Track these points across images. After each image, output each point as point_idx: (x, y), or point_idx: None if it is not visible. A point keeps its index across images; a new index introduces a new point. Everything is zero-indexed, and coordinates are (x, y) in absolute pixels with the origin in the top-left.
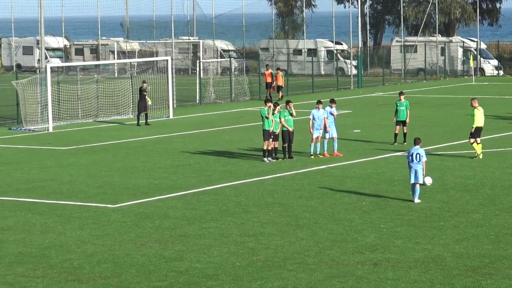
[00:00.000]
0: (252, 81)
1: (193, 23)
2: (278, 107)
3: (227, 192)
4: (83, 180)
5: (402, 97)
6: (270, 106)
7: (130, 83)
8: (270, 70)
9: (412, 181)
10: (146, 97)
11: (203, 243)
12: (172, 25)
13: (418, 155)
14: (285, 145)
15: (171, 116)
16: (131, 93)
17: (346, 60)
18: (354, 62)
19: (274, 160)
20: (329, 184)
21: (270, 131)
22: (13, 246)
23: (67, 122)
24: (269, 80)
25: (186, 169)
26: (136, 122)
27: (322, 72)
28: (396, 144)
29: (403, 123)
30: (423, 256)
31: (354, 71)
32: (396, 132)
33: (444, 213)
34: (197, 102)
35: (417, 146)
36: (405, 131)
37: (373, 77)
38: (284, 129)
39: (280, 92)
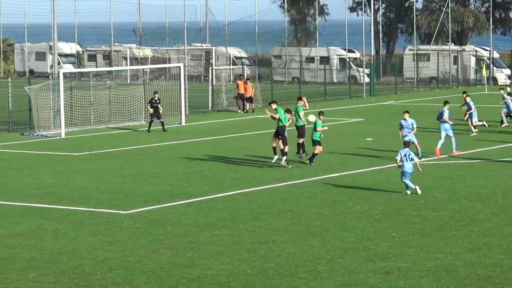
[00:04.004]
0: (265, 88)
1: (205, 30)
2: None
3: (239, 199)
4: (95, 186)
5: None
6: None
7: (143, 89)
8: (243, 81)
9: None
10: (159, 106)
11: (215, 250)
12: (185, 32)
13: (409, 155)
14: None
15: (183, 123)
16: (143, 99)
17: (359, 68)
18: (367, 70)
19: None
20: (341, 192)
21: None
22: (24, 252)
23: (79, 128)
24: (241, 91)
25: (198, 176)
26: (148, 128)
27: (335, 80)
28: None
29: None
30: (435, 265)
31: (367, 79)
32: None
33: (456, 222)
34: (210, 109)
35: (407, 149)
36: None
37: (386, 86)
38: (302, 123)
39: (252, 104)
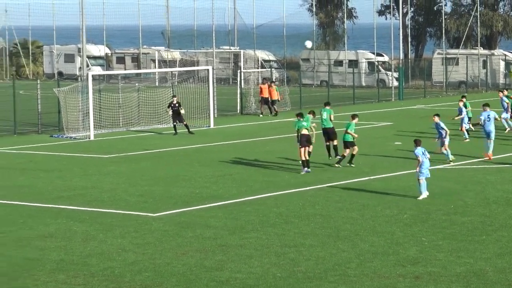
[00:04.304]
0: (293, 91)
1: (234, 32)
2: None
3: (268, 203)
4: (124, 188)
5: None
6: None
7: (171, 92)
8: (266, 84)
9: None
10: (179, 109)
11: (244, 253)
12: (213, 35)
13: (426, 152)
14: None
15: (211, 126)
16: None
17: (387, 72)
18: (395, 74)
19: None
20: (370, 196)
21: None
22: (54, 254)
23: (108, 130)
24: (265, 94)
25: (227, 178)
26: (174, 132)
27: (363, 84)
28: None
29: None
30: (465, 270)
31: (395, 83)
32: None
33: (486, 227)
34: (238, 112)
35: (420, 147)
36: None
37: (414, 89)
38: (329, 125)
39: (274, 107)
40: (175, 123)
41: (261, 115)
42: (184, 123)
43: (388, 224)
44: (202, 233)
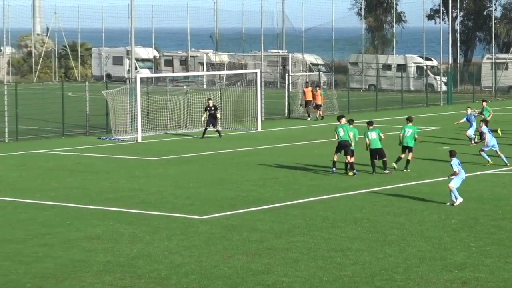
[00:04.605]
0: (341, 95)
1: (282, 36)
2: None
3: (315, 206)
4: (171, 191)
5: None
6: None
7: (219, 95)
8: (310, 88)
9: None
10: (215, 113)
11: (291, 257)
12: (262, 38)
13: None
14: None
15: (259, 129)
16: (220, 105)
17: (436, 77)
18: (444, 79)
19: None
20: (417, 200)
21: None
22: (101, 255)
23: (156, 132)
24: (309, 98)
25: (274, 182)
26: (202, 134)
27: (412, 88)
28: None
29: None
30: None
31: (444, 88)
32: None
33: None
34: (286, 115)
35: (455, 158)
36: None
37: (463, 94)
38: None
39: (320, 111)
40: (208, 127)
41: (308, 119)
42: (217, 129)
43: (436, 229)
44: (248, 236)
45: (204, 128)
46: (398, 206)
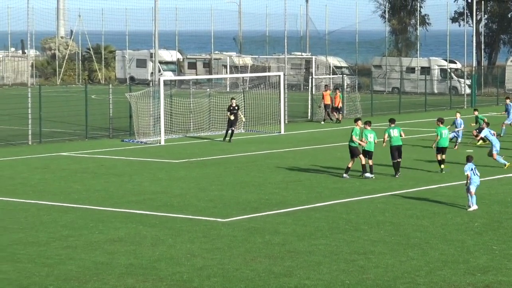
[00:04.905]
0: (364, 98)
1: (306, 39)
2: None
3: (338, 209)
4: (193, 193)
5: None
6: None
7: (242, 97)
8: (328, 91)
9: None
10: (239, 113)
11: (313, 259)
12: (285, 41)
13: (475, 169)
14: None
15: (282, 132)
16: (243, 107)
17: (460, 79)
18: (468, 81)
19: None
20: (440, 204)
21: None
22: (123, 258)
23: (179, 135)
24: (327, 101)
25: (296, 185)
26: (224, 136)
27: (435, 91)
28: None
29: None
30: None
31: (468, 90)
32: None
33: None
34: (309, 118)
35: (470, 163)
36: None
37: (487, 97)
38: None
39: (338, 114)
40: (232, 129)
41: (322, 122)
42: (232, 128)
43: (459, 232)
44: (271, 239)
45: (228, 131)
46: (421, 209)
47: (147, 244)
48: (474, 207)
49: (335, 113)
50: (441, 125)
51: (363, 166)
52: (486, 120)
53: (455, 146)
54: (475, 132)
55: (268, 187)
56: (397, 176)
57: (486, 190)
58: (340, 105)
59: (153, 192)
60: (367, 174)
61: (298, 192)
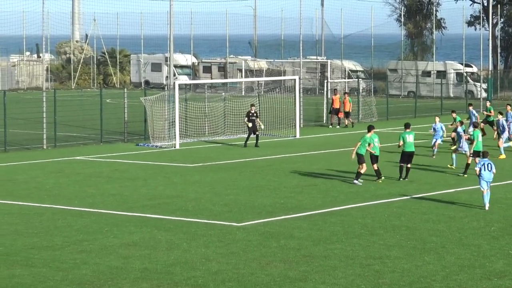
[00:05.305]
0: (380, 102)
1: (321, 42)
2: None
3: (353, 214)
4: (208, 197)
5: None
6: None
7: (258, 101)
8: (338, 95)
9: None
10: (257, 120)
11: (328, 264)
12: (301, 45)
13: (489, 165)
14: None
15: (297, 136)
16: (258, 111)
17: (476, 83)
18: (484, 85)
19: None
20: (456, 208)
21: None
22: (138, 262)
23: (193, 139)
24: (336, 105)
25: (312, 189)
26: (244, 142)
27: (451, 95)
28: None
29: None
30: None
31: (484, 94)
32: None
33: None
34: (324, 122)
35: (487, 158)
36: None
37: (503, 101)
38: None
39: (349, 119)
40: (250, 134)
41: (330, 126)
42: (257, 133)
43: (475, 236)
44: (286, 243)
45: (247, 138)
46: (437, 213)
47: (162, 248)
48: (487, 206)
49: (346, 119)
50: (476, 130)
51: (359, 173)
52: (462, 120)
53: (432, 155)
54: (453, 135)
55: (283, 191)
56: (401, 179)
57: (503, 194)
58: (349, 109)
59: (168, 196)
60: (356, 181)
61: (313, 196)
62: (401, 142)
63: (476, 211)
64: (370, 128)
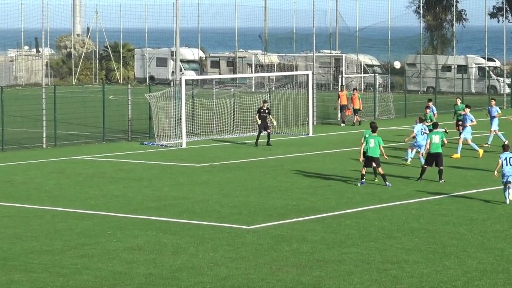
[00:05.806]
0: (398, 98)
1: (335, 36)
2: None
3: (369, 216)
4: (217, 199)
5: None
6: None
7: (269, 98)
8: (345, 91)
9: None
10: (270, 117)
11: (343, 269)
12: (314, 38)
13: (511, 159)
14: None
15: (310, 134)
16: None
17: (499, 78)
18: (508, 80)
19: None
20: (478, 209)
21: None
22: (143, 267)
23: (201, 137)
24: (343, 102)
25: (325, 190)
26: (255, 141)
27: (473, 90)
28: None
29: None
30: None
31: (507, 90)
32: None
33: None
34: (339, 119)
35: (508, 151)
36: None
37: None
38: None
39: (357, 116)
40: (261, 131)
41: (342, 124)
42: (269, 131)
43: (498, 240)
44: (298, 247)
45: (257, 134)
46: (458, 215)
47: (168, 252)
48: (507, 200)
49: (356, 116)
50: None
51: (382, 175)
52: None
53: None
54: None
55: (295, 192)
56: (419, 180)
57: None
58: (359, 107)
59: (174, 198)
60: (387, 184)
61: (327, 197)
62: (428, 144)
63: (499, 213)
64: (374, 128)
